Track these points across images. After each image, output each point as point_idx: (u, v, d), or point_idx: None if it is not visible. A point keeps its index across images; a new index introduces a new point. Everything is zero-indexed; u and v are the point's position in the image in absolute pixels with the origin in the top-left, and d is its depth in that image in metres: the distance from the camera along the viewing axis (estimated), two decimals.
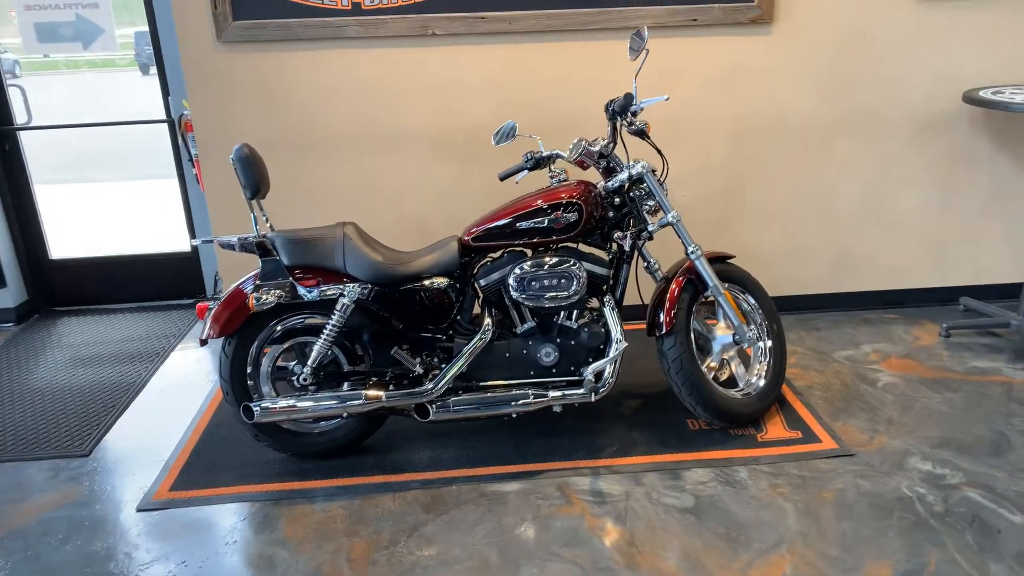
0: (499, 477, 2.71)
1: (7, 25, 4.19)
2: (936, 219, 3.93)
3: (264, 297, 2.62)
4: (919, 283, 4.06)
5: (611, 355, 2.75)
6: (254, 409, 2.62)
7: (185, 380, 3.55)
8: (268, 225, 2.86)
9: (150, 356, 3.80)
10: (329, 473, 2.77)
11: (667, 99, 2.63)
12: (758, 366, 3.04)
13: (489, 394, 2.74)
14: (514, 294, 2.71)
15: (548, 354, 2.78)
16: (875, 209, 3.90)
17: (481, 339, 2.73)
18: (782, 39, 3.59)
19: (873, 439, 2.89)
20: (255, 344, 2.75)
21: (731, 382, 3.04)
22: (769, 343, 3.02)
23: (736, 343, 2.97)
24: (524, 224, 2.71)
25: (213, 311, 2.69)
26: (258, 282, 2.67)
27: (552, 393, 2.75)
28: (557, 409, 2.79)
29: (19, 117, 4.17)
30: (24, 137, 4.21)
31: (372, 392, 2.67)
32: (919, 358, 3.52)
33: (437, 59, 3.53)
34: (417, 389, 2.69)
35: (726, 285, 2.98)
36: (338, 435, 2.82)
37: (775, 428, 2.96)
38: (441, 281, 2.74)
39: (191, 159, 4.02)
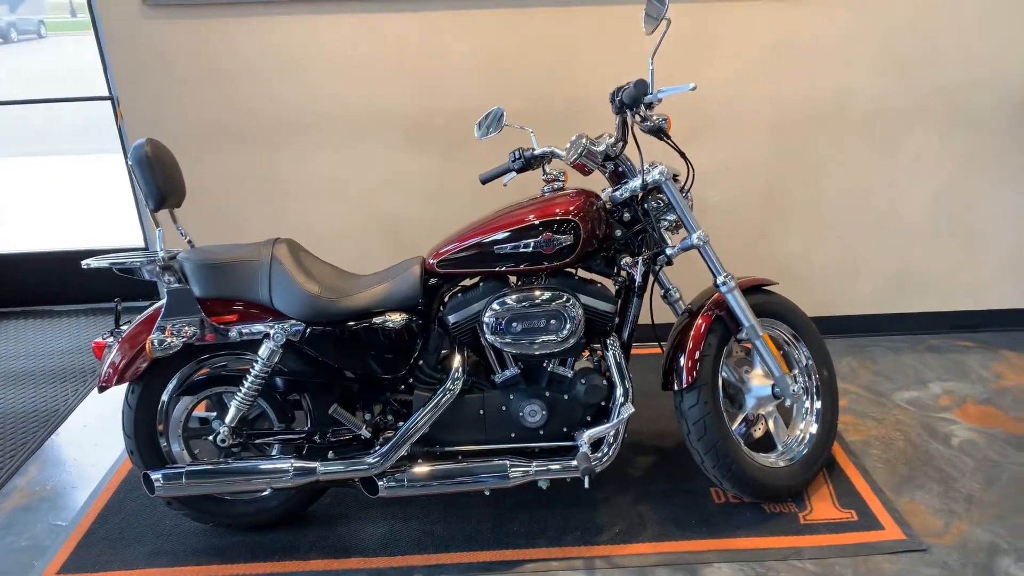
0: (467, 568, 2.13)
1: None
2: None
3: (167, 339, 2.04)
4: (998, 304, 3.36)
5: (613, 420, 2.13)
6: (153, 480, 2.06)
7: (115, 411, 3.00)
8: (187, 241, 2.27)
9: (84, 374, 3.27)
10: (257, 552, 2.21)
11: (693, 88, 1.97)
12: (802, 424, 2.40)
13: (455, 464, 2.14)
14: (490, 337, 2.10)
15: (534, 412, 2.17)
16: (950, 216, 3.20)
17: (447, 392, 2.13)
18: (843, 4, 2.87)
19: (950, 525, 2.26)
20: (166, 393, 2.18)
21: (767, 441, 2.41)
22: (818, 403, 2.37)
23: (776, 397, 2.33)
24: (503, 248, 2.08)
25: (112, 351, 2.12)
26: (161, 319, 2.09)
27: (535, 466, 2.14)
28: (543, 485, 2.19)
29: None
30: None
31: (301, 464, 2.09)
32: (1003, 405, 2.84)
33: (414, 28, 2.88)
34: (361, 459, 2.11)
35: (765, 322, 2.34)
36: (271, 504, 2.26)
37: (823, 505, 2.33)
38: (397, 318, 2.13)
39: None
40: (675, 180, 2.22)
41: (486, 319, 2.08)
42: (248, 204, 3.12)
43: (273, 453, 2.21)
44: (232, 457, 2.16)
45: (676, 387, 2.21)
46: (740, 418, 2.34)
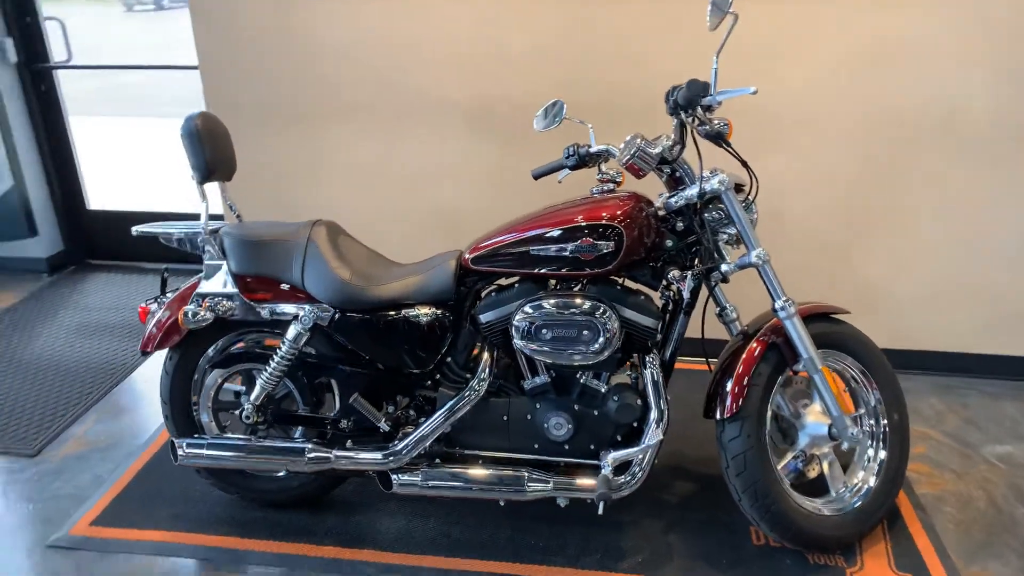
0: None
1: None
2: None
3: (199, 312, 2.06)
4: None
5: (643, 443, 1.99)
6: (177, 448, 2.10)
7: None
8: (235, 216, 2.29)
9: None
10: (275, 531, 2.22)
11: (754, 92, 1.77)
12: (861, 474, 2.16)
13: (472, 469, 2.06)
14: (519, 341, 1.99)
15: (560, 425, 2.05)
16: None
17: (471, 393, 2.05)
18: (956, 2, 2.55)
19: None
20: (200, 365, 2.21)
21: (819, 483, 2.19)
22: (882, 453, 2.13)
23: (833, 438, 2.11)
24: (540, 249, 1.96)
25: (154, 318, 2.17)
26: (198, 291, 2.11)
27: (555, 481, 2.03)
28: (562, 503, 2.08)
29: (57, 54, 3.84)
30: (61, 76, 3.87)
31: (317, 449, 2.07)
32: None
33: (470, 15, 2.79)
34: (377, 453, 2.06)
35: (829, 355, 2.12)
36: (292, 484, 2.26)
37: (877, 563, 2.10)
38: (427, 312, 2.06)
39: None
40: (739, 191, 2.03)
41: (517, 322, 1.98)
42: (304, 183, 3.15)
43: (296, 435, 2.20)
44: (256, 434, 2.17)
45: (718, 416, 2.03)
46: (788, 457, 2.13)
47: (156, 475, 2.46)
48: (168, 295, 2.21)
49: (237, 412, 2.16)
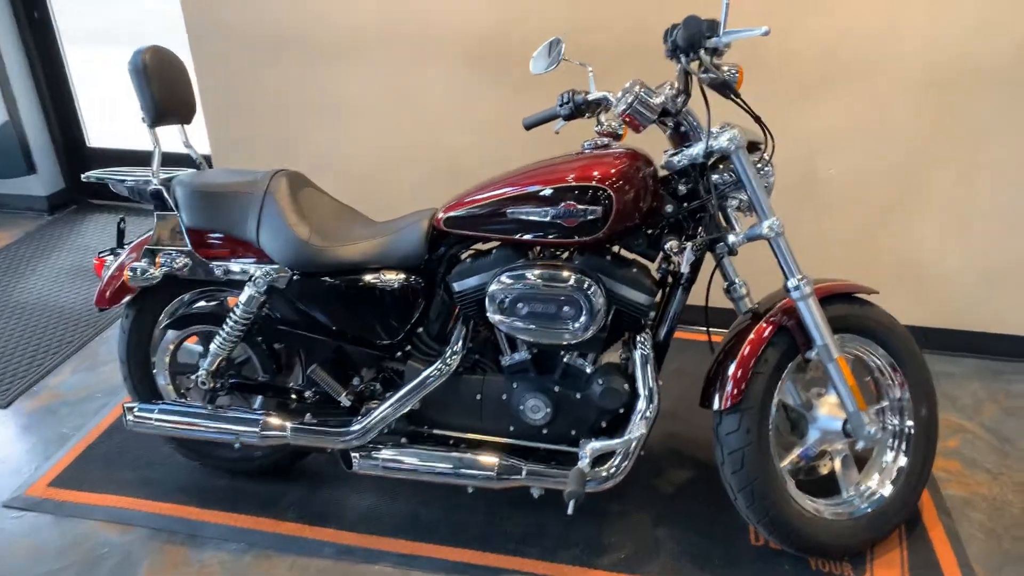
0: (441, 566, 1.90)
1: None
2: None
3: (148, 269, 1.89)
4: None
5: (626, 436, 1.77)
6: (125, 414, 1.96)
7: None
8: (197, 163, 2.09)
9: None
10: (237, 502, 2.09)
11: (766, 33, 1.47)
12: (877, 476, 1.92)
13: (439, 452, 1.88)
14: (492, 314, 1.77)
15: (536, 408, 1.85)
16: None
17: (442, 367, 1.85)
18: None
19: None
20: (158, 323, 2.06)
21: (829, 482, 1.95)
22: (903, 460, 1.87)
23: (847, 436, 1.86)
24: (516, 212, 1.72)
25: (108, 272, 2.01)
26: (149, 245, 1.94)
27: (528, 469, 1.84)
28: (536, 493, 1.89)
29: None
30: (54, 3, 3.67)
31: (275, 420, 1.90)
32: None
33: None
34: (337, 429, 1.89)
35: (850, 340, 1.86)
36: (255, 455, 2.12)
37: (889, 574, 1.87)
38: (393, 277, 1.86)
39: None
40: (753, 150, 1.75)
41: (492, 293, 1.76)
42: (300, 124, 2.92)
43: (256, 405, 2.05)
44: (214, 402, 2.01)
45: (716, 405, 1.80)
46: (795, 453, 1.90)
47: (122, 434, 2.34)
48: (125, 246, 2.05)
49: (193, 377, 2.01)
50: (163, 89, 1.87)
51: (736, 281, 1.85)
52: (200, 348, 2.07)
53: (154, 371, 2.10)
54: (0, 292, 3.17)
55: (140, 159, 3.88)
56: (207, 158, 3.07)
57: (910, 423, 1.88)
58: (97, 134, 4.00)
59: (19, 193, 3.87)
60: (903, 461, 1.87)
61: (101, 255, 2.05)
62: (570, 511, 1.67)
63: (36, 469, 2.22)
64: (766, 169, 1.76)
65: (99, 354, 2.79)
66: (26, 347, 2.80)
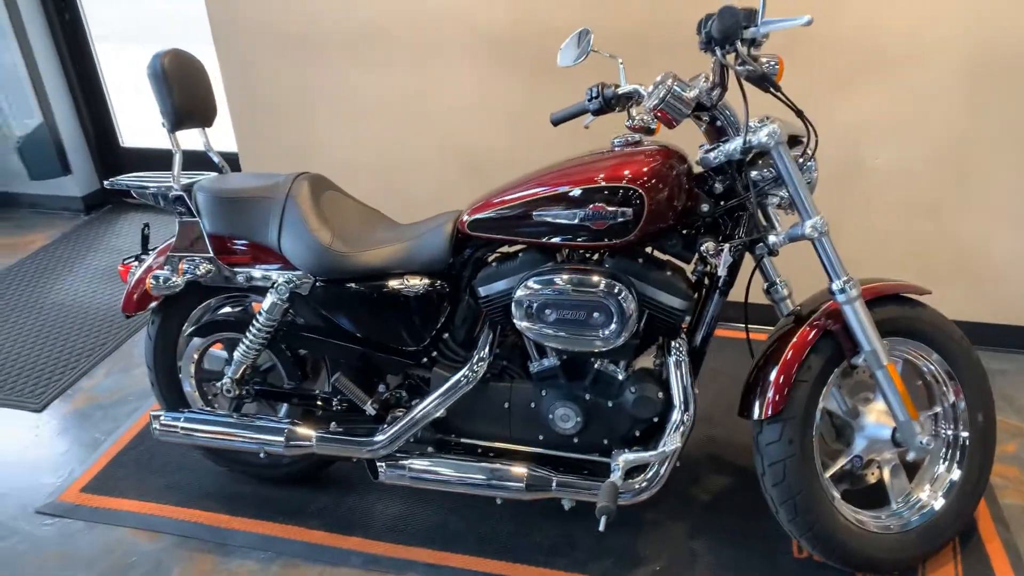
0: None
1: None
2: None
3: (170, 277, 1.86)
4: None
5: (660, 448, 1.69)
6: (151, 423, 1.94)
7: None
8: (219, 167, 2.06)
9: None
10: (262, 510, 2.07)
11: (808, 22, 1.37)
12: (928, 487, 1.81)
13: (466, 462, 1.83)
14: (519, 321, 1.71)
15: (566, 417, 1.78)
16: None
17: (468, 374, 1.80)
18: None
19: None
20: (183, 330, 2.04)
21: (877, 492, 1.85)
22: (957, 472, 1.76)
23: (897, 446, 1.76)
24: (542, 215, 1.65)
25: (133, 278, 1.99)
26: (171, 252, 1.91)
27: (558, 480, 1.77)
28: (567, 505, 1.83)
29: None
30: (85, 3, 3.69)
31: (300, 429, 1.87)
32: None
33: None
34: (363, 438, 1.85)
35: (901, 344, 1.75)
36: (283, 461, 2.09)
37: None
38: (417, 283, 1.80)
39: None
40: (794, 145, 1.65)
41: (518, 298, 1.69)
42: (327, 124, 2.88)
43: (281, 413, 2.02)
44: (239, 410, 1.99)
45: (756, 415, 1.71)
46: (840, 463, 1.80)
47: (153, 439, 2.33)
48: (150, 252, 2.03)
49: (219, 384, 1.98)
50: (183, 93, 1.84)
51: (777, 281, 1.76)
52: (226, 355, 2.05)
53: (181, 377, 2.08)
54: (36, 293, 3.20)
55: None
56: (235, 158, 3.06)
57: (965, 434, 1.77)
58: (130, 134, 4.02)
59: (55, 194, 3.91)
60: (956, 474, 1.76)
61: (126, 261, 2.04)
62: (601, 527, 1.60)
63: (69, 474, 2.23)
64: (808, 165, 1.66)
65: (133, 356, 2.80)
66: (62, 349, 2.82)
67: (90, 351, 2.82)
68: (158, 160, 3.89)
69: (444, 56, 2.67)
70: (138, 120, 4.12)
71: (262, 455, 1.97)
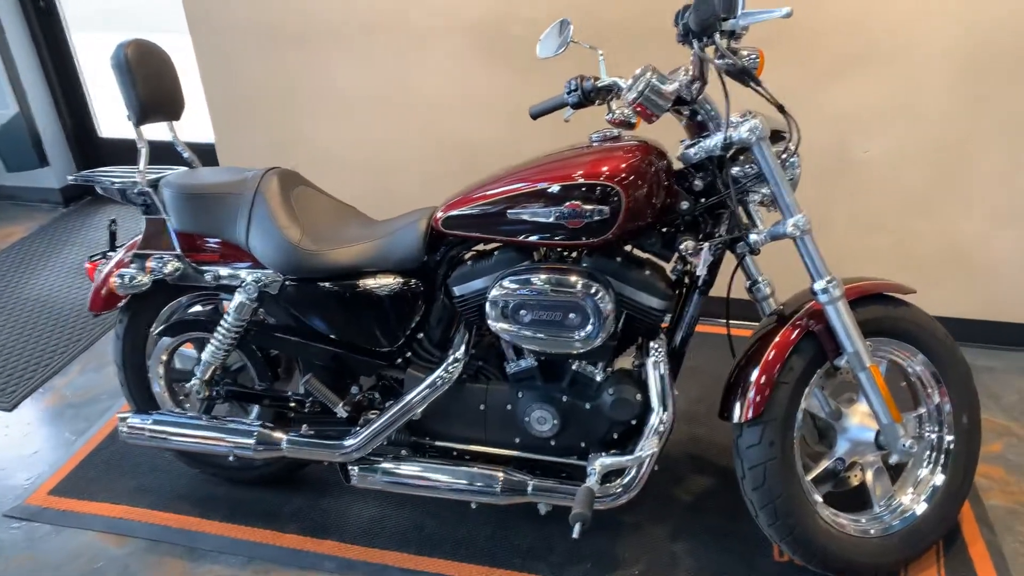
0: None
1: None
2: None
3: (136, 276, 1.81)
4: None
5: (638, 452, 1.65)
6: (119, 425, 1.89)
7: None
8: (189, 159, 2.00)
9: None
10: (235, 512, 2.02)
11: (788, 14, 1.32)
12: (911, 491, 1.78)
13: (440, 465, 1.78)
14: (493, 322, 1.66)
15: (543, 419, 1.74)
16: None
17: (443, 375, 1.75)
18: None
19: None
20: (152, 329, 1.98)
21: (859, 495, 1.82)
22: (940, 476, 1.73)
23: (880, 448, 1.72)
24: (517, 213, 1.60)
25: (99, 276, 1.94)
26: (138, 249, 1.86)
27: (533, 484, 1.73)
28: (543, 509, 1.79)
29: None
30: None
31: (270, 432, 1.83)
32: None
33: None
34: (334, 441, 1.81)
35: (884, 344, 1.71)
36: (255, 463, 2.05)
37: None
38: (390, 282, 1.75)
39: None
40: (776, 140, 1.60)
41: (492, 298, 1.65)
42: (305, 117, 2.82)
43: (253, 415, 1.97)
44: (210, 412, 1.94)
45: (736, 418, 1.67)
46: (823, 465, 1.76)
47: (120, 442, 2.29)
48: (118, 249, 1.97)
49: (189, 385, 1.93)
50: (147, 85, 1.78)
51: (759, 280, 1.71)
52: (196, 354, 2.00)
53: (149, 376, 2.03)
54: (9, 290, 3.14)
55: (152, 149, 3.82)
56: (211, 150, 2.99)
57: (950, 438, 1.73)
58: (108, 124, 3.94)
59: (33, 186, 3.84)
60: (940, 478, 1.73)
61: (93, 258, 1.98)
62: (576, 535, 1.56)
63: (37, 477, 2.18)
64: (791, 161, 1.62)
65: (107, 353, 2.74)
66: (34, 347, 2.76)
67: (64, 348, 2.76)
68: (134, 151, 3.81)
69: (427, 48, 2.61)
70: (116, 110, 4.05)
71: (231, 458, 1.92)
